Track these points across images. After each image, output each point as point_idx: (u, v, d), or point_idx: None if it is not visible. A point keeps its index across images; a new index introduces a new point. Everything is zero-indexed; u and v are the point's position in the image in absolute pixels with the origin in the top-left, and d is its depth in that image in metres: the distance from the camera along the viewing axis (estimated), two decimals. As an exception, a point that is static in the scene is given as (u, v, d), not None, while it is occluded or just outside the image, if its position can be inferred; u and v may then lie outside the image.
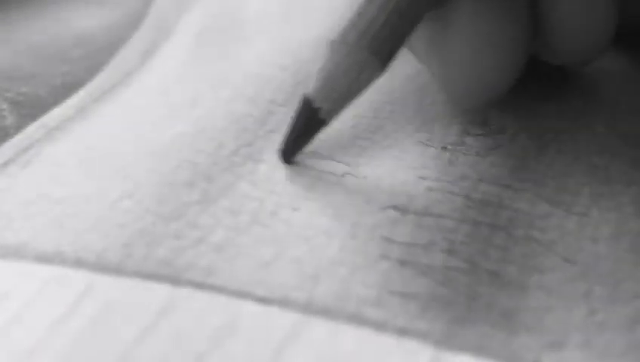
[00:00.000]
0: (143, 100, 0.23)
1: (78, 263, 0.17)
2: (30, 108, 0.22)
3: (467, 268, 0.17)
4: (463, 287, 0.17)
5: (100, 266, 0.17)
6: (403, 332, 0.16)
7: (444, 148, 0.21)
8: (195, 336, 0.16)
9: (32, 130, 0.21)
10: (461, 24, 0.19)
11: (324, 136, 0.21)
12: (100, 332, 0.16)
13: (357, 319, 0.16)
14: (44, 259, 0.17)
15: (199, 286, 0.17)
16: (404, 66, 0.24)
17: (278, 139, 0.21)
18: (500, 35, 0.19)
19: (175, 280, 0.17)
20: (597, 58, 0.21)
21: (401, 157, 0.20)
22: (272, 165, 0.20)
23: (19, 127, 0.22)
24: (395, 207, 0.19)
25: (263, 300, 0.16)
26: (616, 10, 0.20)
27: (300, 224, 0.18)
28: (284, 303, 0.16)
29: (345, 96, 0.19)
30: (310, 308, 0.16)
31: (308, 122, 0.20)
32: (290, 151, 0.20)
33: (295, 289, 0.17)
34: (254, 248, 0.18)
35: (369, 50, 0.19)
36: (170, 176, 0.20)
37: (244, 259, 0.17)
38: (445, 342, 0.16)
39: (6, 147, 0.21)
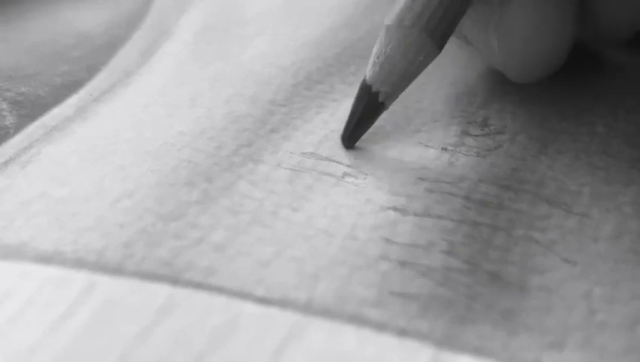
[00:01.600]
0: (143, 100, 0.23)
1: (79, 263, 0.17)
2: (30, 108, 0.22)
3: (467, 268, 0.17)
4: (463, 288, 0.17)
5: (100, 266, 0.17)
6: (403, 332, 0.16)
7: (443, 148, 0.20)
8: (195, 336, 0.16)
9: (32, 129, 0.21)
10: (519, 3, 0.20)
11: (324, 137, 0.21)
12: (100, 332, 0.16)
13: (357, 319, 0.16)
14: (44, 258, 0.17)
15: (199, 286, 0.17)
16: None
17: (277, 139, 0.21)
18: (556, 12, 0.21)
19: (175, 280, 0.17)
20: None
21: (400, 158, 0.20)
22: (272, 165, 0.20)
23: (19, 127, 0.22)
24: (394, 208, 0.19)
25: (263, 300, 0.16)
26: None
27: (300, 224, 0.18)
28: (284, 303, 0.16)
29: (403, 79, 0.20)
30: (310, 308, 0.16)
31: (368, 107, 0.20)
32: (352, 137, 0.20)
33: (295, 289, 0.17)
34: (254, 248, 0.18)
35: (425, 32, 0.20)
36: (170, 176, 0.20)
37: (244, 259, 0.17)
38: (445, 342, 0.16)
39: (6, 147, 0.21)
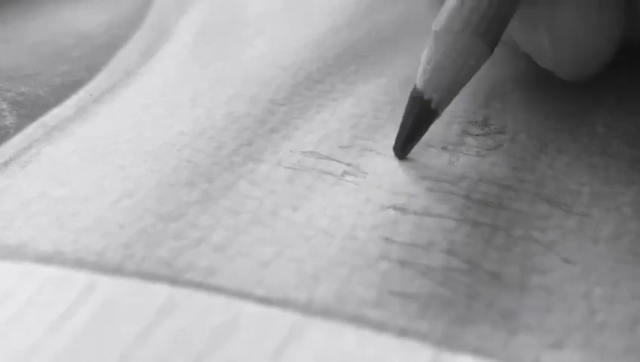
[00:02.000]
0: (143, 100, 0.23)
1: (79, 263, 0.17)
2: (30, 108, 0.22)
3: (467, 268, 0.17)
4: (463, 288, 0.17)
5: (100, 266, 0.17)
6: (403, 332, 0.16)
7: (444, 148, 0.20)
8: (195, 336, 0.16)
9: (32, 129, 0.21)
10: (570, 3, 0.20)
11: (323, 136, 0.21)
12: (100, 332, 0.16)
13: (357, 319, 0.16)
14: (44, 259, 0.17)
15: (199, 286, 0.17)
16: (405, 68, 0.24)
17: (278, 138, 0.21)
18: (604, 12, 0.21)
19: (175, 281, 0.17)
20: None
21: (401, 157, 0.20)
22: (272, 164, 0.20)
23: (19, 127, 0.22)
24: (395, 207, 0.19)
25: (263, 300, 0.16)
26: None
27: (300, 224, 0.18)
28: (284, 303, 0.16)
29: (455, 84, 0.20)
30: (310, 309, 0.16)
31: (420, 115, 0.20)
32: (405, 148, 0.20)
33: (295, 289, 0.17)
34: (254, 248, 0.18)
35: (475, 35, 0.19)
36: (170, 176, 0.20)
37: (244, 259, 0.17)
38: (445, 342, 0.16)
39: (6, 147, 0.21)
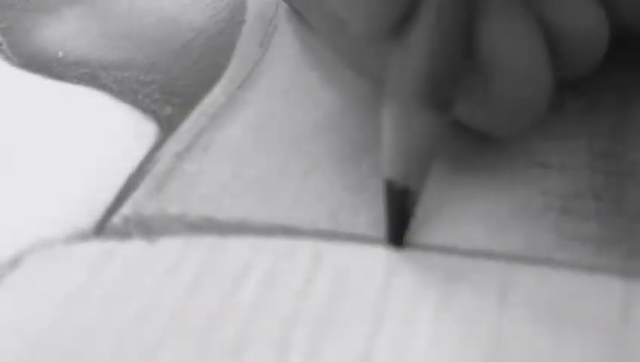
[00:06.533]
0: (279, 86, 0.24)
1: (301, 233, 0.19)
2: (183, 98, 0.23)
3: (615, 209, 0.20)
4: (619, 226, 0.19)
5: (321, 234, 0.19)
6: (592, 268, 0.18)
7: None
8: (432, 288, 0.18)
9: (195, 117, 0.23)
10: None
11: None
12: (343, 296, 0.18)
13: (550, 262, 0.18)
14: (267, 232, 0.19)
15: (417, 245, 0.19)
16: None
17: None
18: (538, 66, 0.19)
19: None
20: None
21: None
22: None
23: (181, 115, 0.23)
24: (538, 164, 0.21)
25: (471, 253, 0.19)
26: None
27: (465, 184, 0.21)
28: (487, 254, 0.19)
29: (423, 160, 0.19)
30: (508, 256, 0.19)
31: (402, 203, 0.19)
32: (400, 237, 0.19)
33: (491, 241, 0.19)
34: (443, 208, 0.20)
35: (424, 104, 0.18)
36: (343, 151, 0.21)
37: (437, 219, 0.20)
38: (629, 273, 0.18)
39: (179, 134, 0.22)
